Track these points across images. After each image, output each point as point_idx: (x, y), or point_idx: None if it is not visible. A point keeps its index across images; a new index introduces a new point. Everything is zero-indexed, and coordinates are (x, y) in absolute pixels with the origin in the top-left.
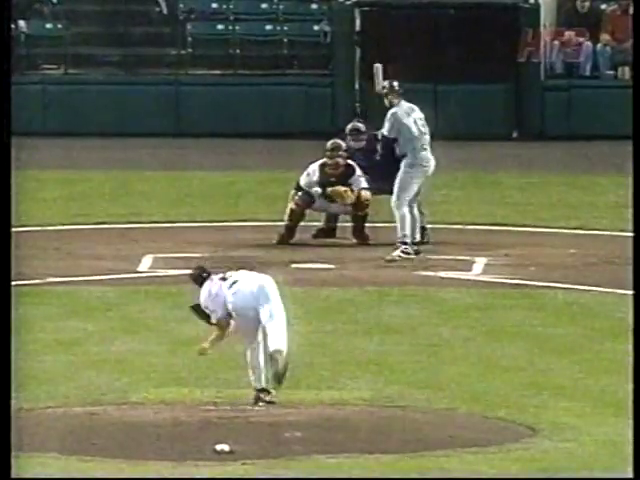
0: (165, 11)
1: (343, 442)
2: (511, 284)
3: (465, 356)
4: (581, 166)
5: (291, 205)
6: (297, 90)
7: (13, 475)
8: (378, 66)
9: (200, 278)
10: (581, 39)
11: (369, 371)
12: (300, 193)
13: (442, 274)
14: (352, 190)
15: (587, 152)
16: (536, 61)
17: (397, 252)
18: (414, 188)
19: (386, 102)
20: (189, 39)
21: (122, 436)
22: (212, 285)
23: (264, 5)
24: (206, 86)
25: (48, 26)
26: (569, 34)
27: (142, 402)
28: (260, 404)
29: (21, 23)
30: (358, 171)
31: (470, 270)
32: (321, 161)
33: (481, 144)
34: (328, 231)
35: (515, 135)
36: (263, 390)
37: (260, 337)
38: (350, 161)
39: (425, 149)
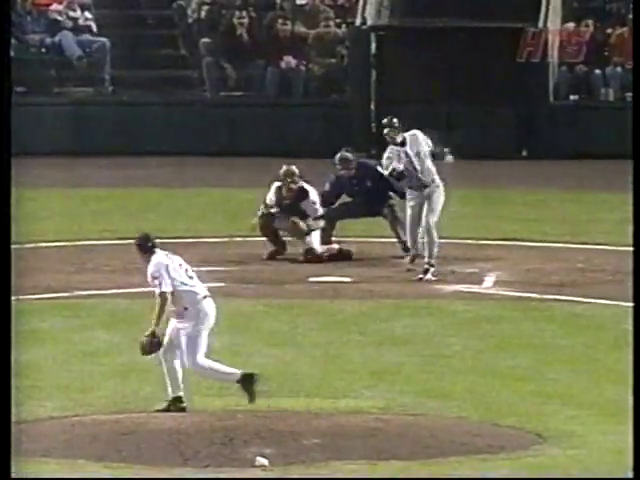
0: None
1: (359, 449)
2: (520, 297)
3: (476, 366)
4: (588, 183)
5: (258, 227)
6: (315, 111)
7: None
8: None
9: (145, 246)
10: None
11: (383, 381)
12: (259, 213)
13: (453, 287)
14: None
15: (594, 170)
16: (544, 82)
17: (429, 275)
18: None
19: (388, 139)
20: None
21: (146, 443)
22: (161, 257)
23: None
24: (227, 107)
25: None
26: (574, 50)
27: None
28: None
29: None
30: (311, 196)
31: (481, 284)
32: (278, 184)
33: (492, 162)
34: (278, 251)
35: (525, 154)
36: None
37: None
38: (305, 185)
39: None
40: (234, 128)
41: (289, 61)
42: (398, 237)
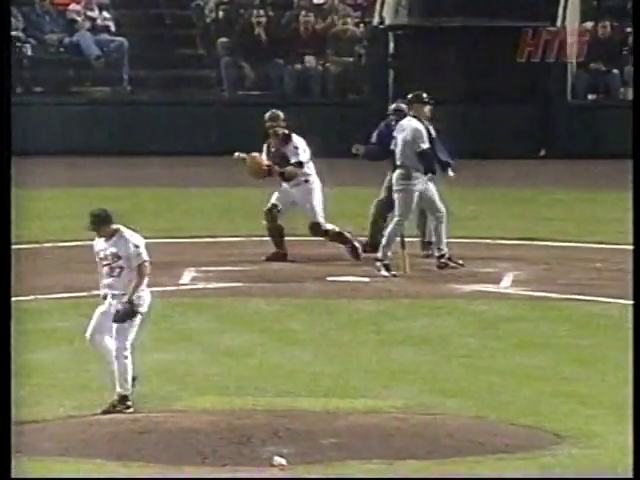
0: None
1: (377, 448)
2: (538, 296)
3: (494, 366)
4: (606, 183)
5: (264, 223)
6: (333, 110)
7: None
8: None
9: (110, 219)
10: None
11: (402, 380)
12: (264, 210)
13: (471, 287)
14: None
15: (612, 169)
16: (562, 81)
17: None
18: None
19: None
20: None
21: (164, 442)
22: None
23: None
24: (245, 107)
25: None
26: (591, 49)
27: (184, 410)
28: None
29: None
30: (295, 141)
31: (499, 283)
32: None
33: (509, 162)
34: (279, 255)
35: (543, 153)
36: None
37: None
38: (287, 131)
39: None
40: (252, 128)
41: (309, 60)
42: (422, 235)
